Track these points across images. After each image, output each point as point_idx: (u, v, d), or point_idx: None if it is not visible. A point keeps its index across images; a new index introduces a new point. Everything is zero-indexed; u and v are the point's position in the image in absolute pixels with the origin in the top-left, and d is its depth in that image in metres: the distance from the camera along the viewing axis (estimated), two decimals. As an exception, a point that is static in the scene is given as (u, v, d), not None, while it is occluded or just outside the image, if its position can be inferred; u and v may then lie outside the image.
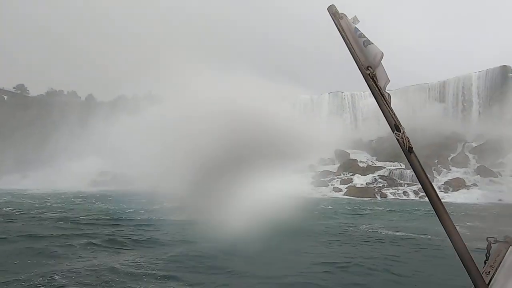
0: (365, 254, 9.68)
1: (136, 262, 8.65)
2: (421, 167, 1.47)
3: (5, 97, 67.25)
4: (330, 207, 24.25)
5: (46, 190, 39.91)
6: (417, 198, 33.90)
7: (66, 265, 8.19)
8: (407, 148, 1.43)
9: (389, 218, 18.96)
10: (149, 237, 12.45)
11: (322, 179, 42.70)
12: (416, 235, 13.20)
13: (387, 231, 14.08)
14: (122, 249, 10.40)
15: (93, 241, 11.03)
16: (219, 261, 9.40)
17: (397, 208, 23.67)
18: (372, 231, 14.27)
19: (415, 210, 22.87)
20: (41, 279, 6.89)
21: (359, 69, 1.51)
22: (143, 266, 8.33)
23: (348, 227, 15.27)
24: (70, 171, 52.20)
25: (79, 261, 8.56)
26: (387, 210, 22.53)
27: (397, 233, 13.80)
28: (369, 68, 1.47)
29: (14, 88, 67.22)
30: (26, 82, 68.64)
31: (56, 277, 6.97)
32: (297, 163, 46.59)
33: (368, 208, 24.07)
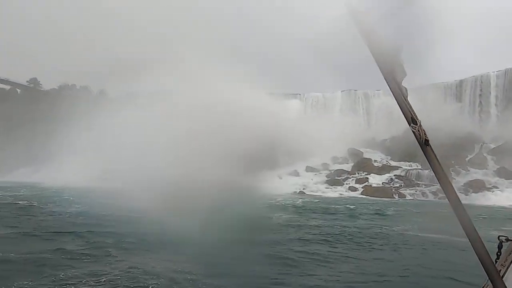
0: (415, 261, 9.09)
1: (175, 265, 8.13)
2: (437, 160, 1.45)
3: (18, 90, 67.22)
4: (352, 206, 23.64)
5: (59, 184, 39.72)
6: (436, 199, 33.06)
7: (103, 266, 7.70)
8: (423, 141, 1.43)
9: (417, 220, 18.31)
10: (176, 236, 11.93)
11: (337, 178, 42.05)
12: (455, 238, 12.50)
13: (424, 234, 13.45)
14: (155, 249, 9.91)
15: (123, 239, 10.57)
16: (259, 265, 8.89)
17: (421, 210, 22.99)
18: (408, 233, 13.68)
19: (438, 211, 22.12)
20: (85, 282, 6.40)
21: (377, 63, 1.51)
22: (183, 269, 7.77)
23: (381, 228, 14.67)
24: (79, 165, 51.90)
25: (116, 262, 8.07)
26: (415, 211, 21.85)
27: (434, 236, 13.12)
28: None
29: (27, 81, 67.02)
30: (39, 76, 68.51)
31: (101, 279, 6.47)
32: (310, 162, 46.11)
33: (391, 208, 23.41)
